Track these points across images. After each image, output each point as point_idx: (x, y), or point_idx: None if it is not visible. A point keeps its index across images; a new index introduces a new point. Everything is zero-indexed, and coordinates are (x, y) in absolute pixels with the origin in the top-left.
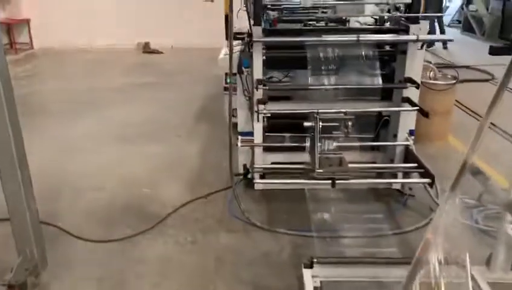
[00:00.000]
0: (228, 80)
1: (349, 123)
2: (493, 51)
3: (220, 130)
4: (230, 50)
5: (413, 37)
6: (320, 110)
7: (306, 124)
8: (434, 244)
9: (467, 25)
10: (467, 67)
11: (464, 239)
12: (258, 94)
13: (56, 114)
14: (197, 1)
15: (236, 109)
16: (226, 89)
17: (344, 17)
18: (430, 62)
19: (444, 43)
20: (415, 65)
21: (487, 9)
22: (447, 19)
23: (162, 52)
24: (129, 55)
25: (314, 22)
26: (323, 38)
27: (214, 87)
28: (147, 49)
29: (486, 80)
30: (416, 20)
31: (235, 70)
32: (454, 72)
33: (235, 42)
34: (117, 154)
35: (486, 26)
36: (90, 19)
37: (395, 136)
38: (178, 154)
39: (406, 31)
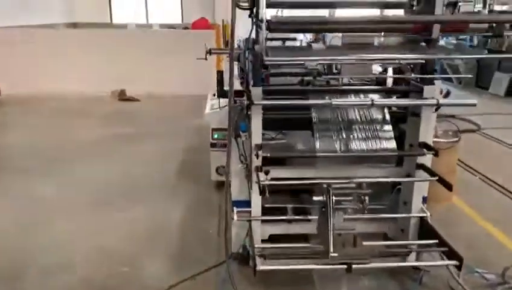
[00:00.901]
0: (216, 136)
1: (366, 198)
2: None
3: (205, 190)
4: (230, 109)
5: (433, 102)
6: (332, 182)
7: (316, 198)
8: None
9: (443, 73)
10: (453, 116)
11: None
12: (258, 161)
13: (21, 172)
14: (174, 47)
15: (222, 166)
16: (212, 145)
17: (336, 70)
18: None
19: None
20: (429, 129)
21: None
22: None
23: (138, 100)
24: (104, 103)
25: (311, 78)
26: (333, 103)
27: (197, 140)
28: (122, 96)
29: (474, 131)
30: (430, 81)
31: (222, 125)
32: (451, 125)
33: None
34: (91, 221)
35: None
36: (62, 64)
37: (405, 203)
38: (160, 221)
39: (418, 92)
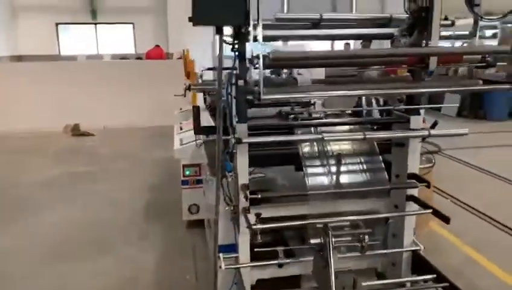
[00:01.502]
0: (188, 173)
1: (366, 237)
2: None
3: (177, 231)
4: (218, 148)
5: (425, 133)
6: (328, 221)
7: (313, 241)
8: None
9: None
10: None
11: None
12: (246, 202)
13: None
14: (128, 77)
15: (194, 204)
16: (184, 182)
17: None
18: None
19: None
20: (415, 159)
21: None
22: None
23: (93, 135)
24: (57, 140)
25: (289, 109)
26: (325, 138)
27: (162, 175)
28: (76, 131)
29: (436, 152)
30: (416, 112)
31: (194, 161)
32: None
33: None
34: (51, 279)
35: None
36: (9, 99)
37: (394, 235)
38: (131, 270)
39: (403, 123)
